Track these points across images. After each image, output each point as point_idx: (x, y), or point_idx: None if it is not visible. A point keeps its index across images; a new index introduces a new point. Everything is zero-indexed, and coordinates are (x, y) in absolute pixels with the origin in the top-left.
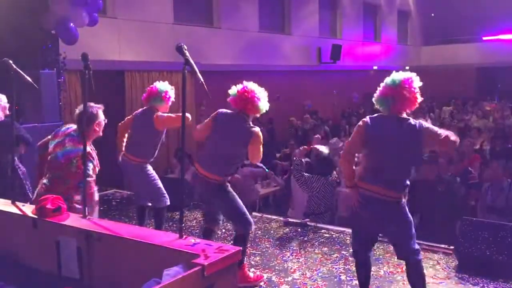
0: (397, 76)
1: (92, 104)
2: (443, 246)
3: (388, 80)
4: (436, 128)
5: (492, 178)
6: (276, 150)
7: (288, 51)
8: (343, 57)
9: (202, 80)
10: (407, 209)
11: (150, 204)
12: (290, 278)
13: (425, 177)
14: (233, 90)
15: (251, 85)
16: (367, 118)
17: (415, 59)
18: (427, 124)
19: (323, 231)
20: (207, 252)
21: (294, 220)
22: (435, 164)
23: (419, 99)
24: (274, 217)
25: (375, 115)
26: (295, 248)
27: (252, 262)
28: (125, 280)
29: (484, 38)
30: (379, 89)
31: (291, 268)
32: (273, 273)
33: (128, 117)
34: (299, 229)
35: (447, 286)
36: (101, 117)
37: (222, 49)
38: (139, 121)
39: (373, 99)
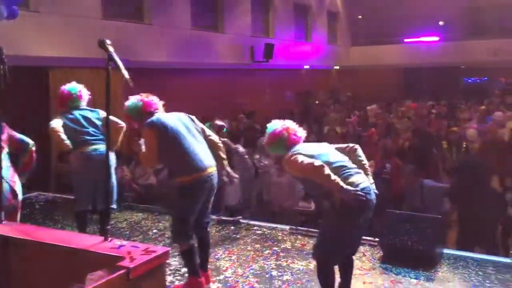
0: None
1: None
2: (369, 238)
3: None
4: None
5: (407, 183)
6: None
7: (221, 49)
8: (276, 56)
9: (126, 76)
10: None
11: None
12: (222, 277)
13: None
14: None
15: None
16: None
17: (344, 59)
18: None
19: (255, 228)
20: (133, 255)
21: (227, 218)
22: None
23: None
24: None
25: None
26: (227, 246)
27: None
28: (46, 287)
29: (406, 40)
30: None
31: (223, 267)
32: None
33: (58, 123)
34: (232, 227)
35: (372, 277)
36: None
37: (153, 46)
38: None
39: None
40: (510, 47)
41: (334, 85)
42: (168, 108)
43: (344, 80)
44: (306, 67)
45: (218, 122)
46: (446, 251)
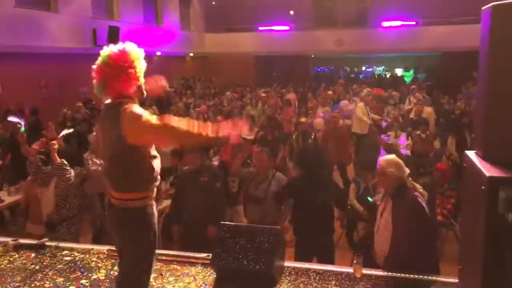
0: (104, 51)
1: None
2: (203, 255)
3: (98, 60)
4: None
5: (258, 167)
6: None
7: (55, 31)
8: (123, 40)
9: None
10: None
11: None
12: None
13: (189, 166)
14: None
15: None
16: None
17: (199, 45)
18: (131, 106)
19: (65, 252)
20: None
21: (26, 242)
22: (198, 153)
23: (137, 75)
24: (1, 239)
25: None
26: (17, 284)
27: None
28: None
29: (260, 29)
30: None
31: None
32: None
33: None
34: (33, 254)
35: None
36: None
37: None
38: None
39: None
40: (351, 37)
41: (188, 72)
42: None
43: (198, 67)
44: (158, 53)
45: (13, 119)
46: (287, 264)
